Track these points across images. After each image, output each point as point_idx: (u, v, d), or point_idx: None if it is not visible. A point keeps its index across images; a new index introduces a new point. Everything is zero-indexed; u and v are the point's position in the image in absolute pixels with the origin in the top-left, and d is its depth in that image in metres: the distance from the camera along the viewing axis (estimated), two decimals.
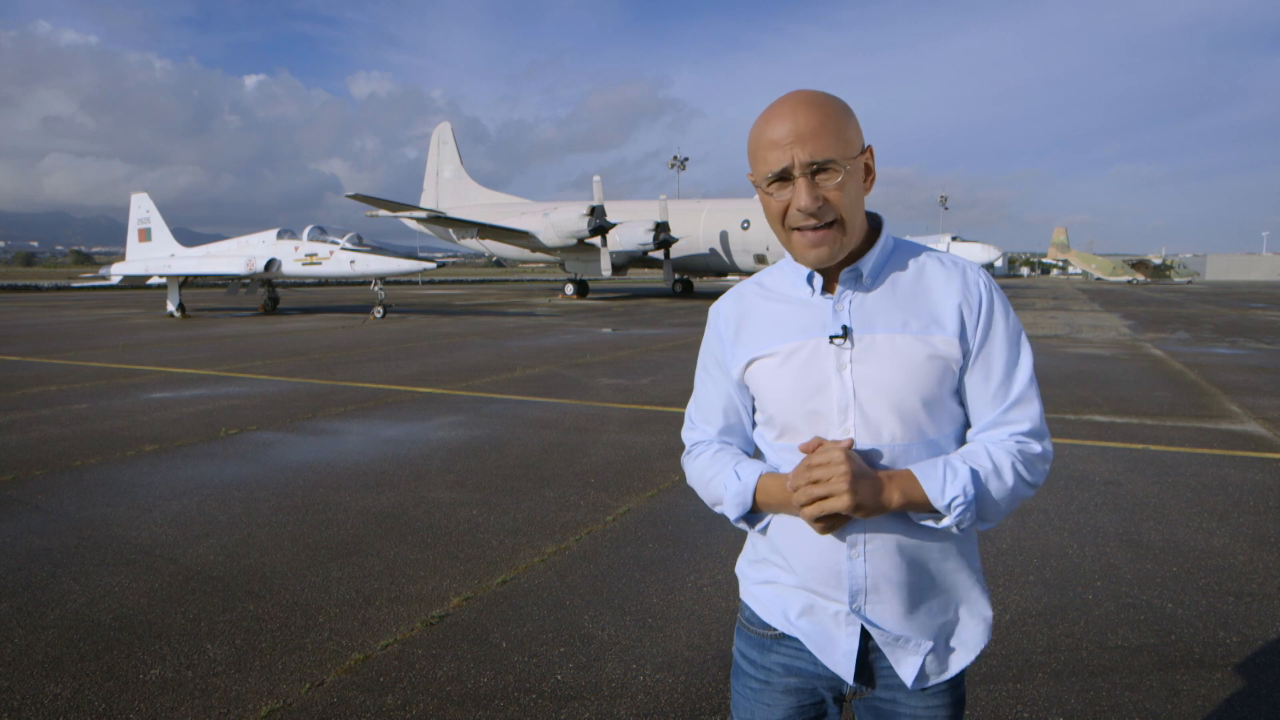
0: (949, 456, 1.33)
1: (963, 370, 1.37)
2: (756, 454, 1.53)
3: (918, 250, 1.42)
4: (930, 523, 1.31)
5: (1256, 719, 2.78)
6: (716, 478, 1.46)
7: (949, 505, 1.27)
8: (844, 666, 1.40)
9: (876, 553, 1.36)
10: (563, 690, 2.95)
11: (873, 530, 1.35)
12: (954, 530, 1.30)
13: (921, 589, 1.39)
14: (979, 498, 1.29)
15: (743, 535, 1.56)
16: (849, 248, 1.35)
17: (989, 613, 1.47)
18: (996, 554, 4.29)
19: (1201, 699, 2.89)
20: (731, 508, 1.42)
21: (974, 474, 1.29)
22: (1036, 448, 1.35)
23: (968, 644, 1.43)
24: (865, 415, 1.34)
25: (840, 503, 1.25)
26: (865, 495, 1.26)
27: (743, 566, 1.56)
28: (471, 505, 5.15)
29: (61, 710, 2.80)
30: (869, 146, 1.37)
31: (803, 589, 1.42)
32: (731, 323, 1.48)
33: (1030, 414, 1.36)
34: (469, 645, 3.29)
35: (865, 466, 1.29)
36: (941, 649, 1.41)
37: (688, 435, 1.60)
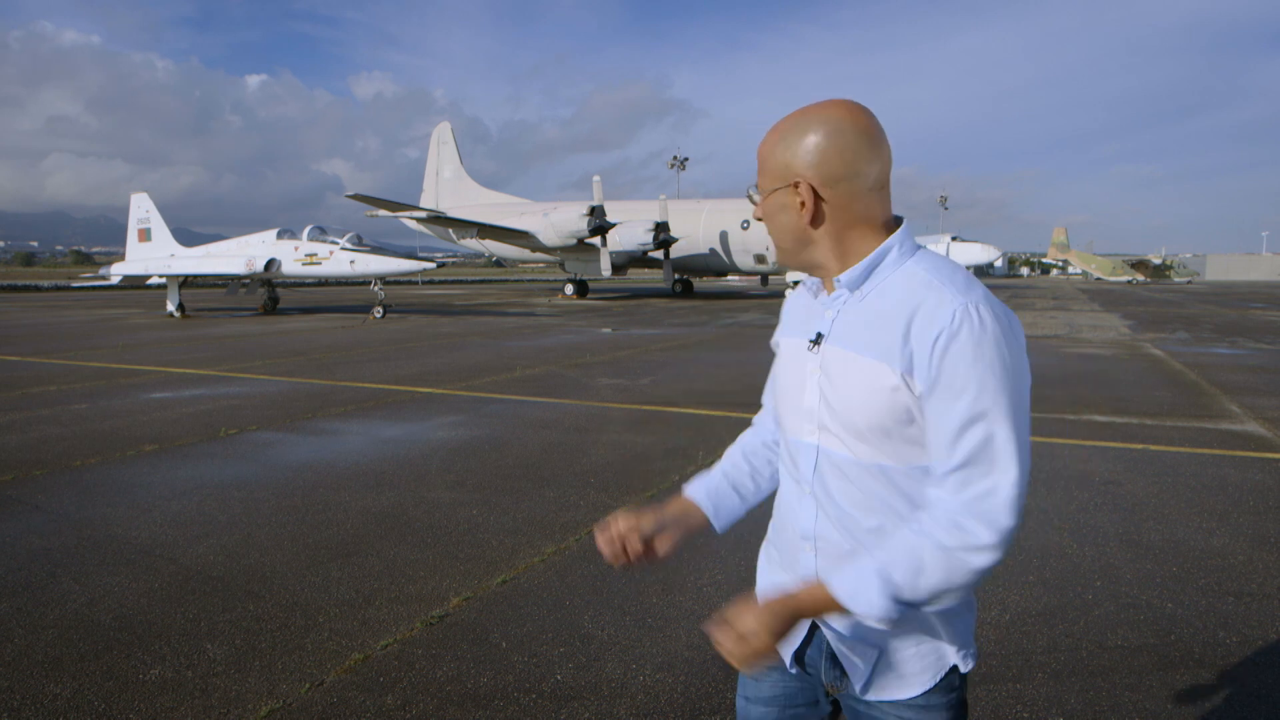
0: (872, 561, 1.24)
1: (918, 405, 1.25)
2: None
3: (926, 269, 1.30)
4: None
5: (1256, 719, 2.78)
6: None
7: (863, 616, 1.24)
8: (785, 651, 1.45)
9: (827, 552, 1.38)
10: (563, 690, 2.95)
11: (822, 533, 1.39)
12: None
13: None
14: (896, 602, 1.21)
15: (740, 537, 1.59)
16: (806, 264, 1.40)
17: (956, 642, 1.38)
18: None
19: (1201, 699, 2.89)
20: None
21: (885, 583, 1.21)
22: (972, 531, 1.19)
23: (926, 667, 1.37)
24: (824, 423, 1.36)
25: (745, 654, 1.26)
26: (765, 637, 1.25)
27: (762, 546, 1.65)
28: (471, 505, 5.15)
29: (61, 710, 2.80)
30: (797, 182, 1.31)
31: (779, 568, 1.50)
32: (784, 311, 1.59)
33: (977, 492, 1.20)
34: (469, 645, 3.29)
35: (748, 614, 1.26)
36: (896, 664, 1.37)
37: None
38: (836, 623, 1.38)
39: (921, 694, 1.37)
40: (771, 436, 1.65)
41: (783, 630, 1.26)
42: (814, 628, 1.42)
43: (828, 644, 1.41)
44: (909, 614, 1.25)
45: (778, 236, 1.39)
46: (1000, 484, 1.19)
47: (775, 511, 1.53)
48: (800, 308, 1.50)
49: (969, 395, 1.19)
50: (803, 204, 1.33)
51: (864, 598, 1.22)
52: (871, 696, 1.39)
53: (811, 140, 1.30)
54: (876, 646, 1.37)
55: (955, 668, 1.38)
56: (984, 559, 1.19)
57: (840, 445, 1.34)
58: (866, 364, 1.29)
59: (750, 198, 1.42)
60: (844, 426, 1.32)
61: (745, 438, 1.69)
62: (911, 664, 1.37)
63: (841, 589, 1.24)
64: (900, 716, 1.39)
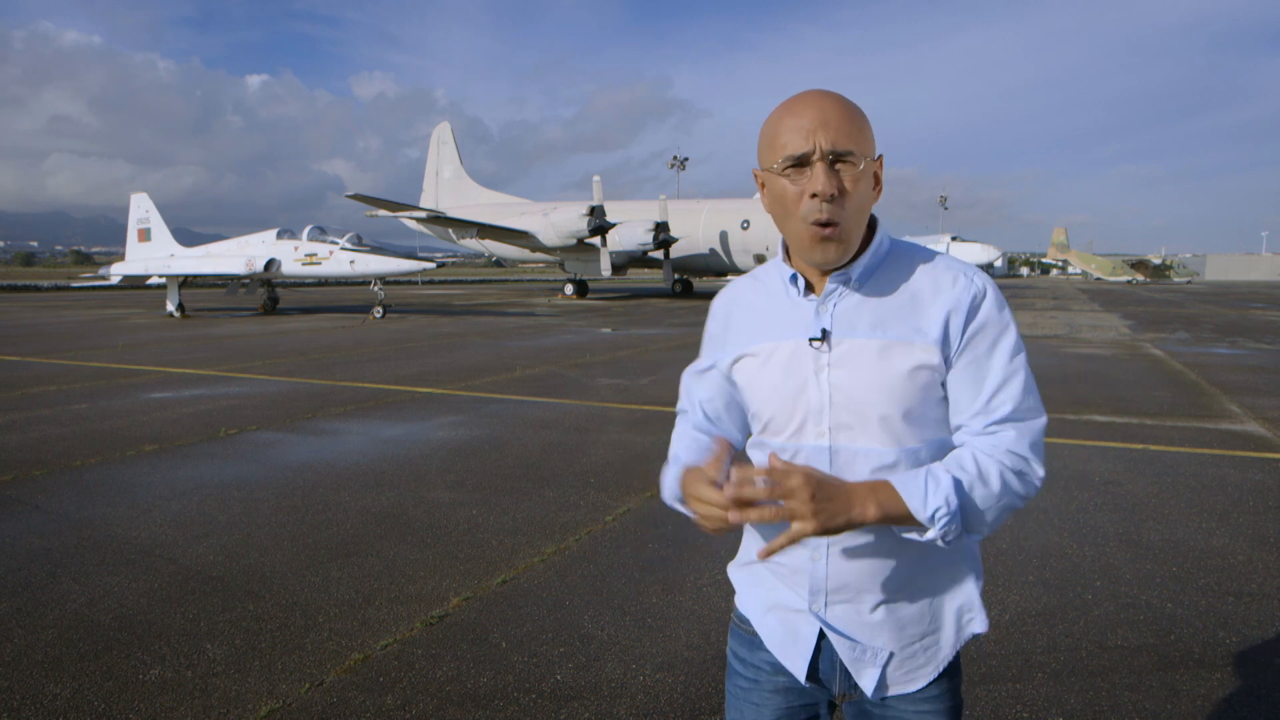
0: (931, 466, 1.27)
1: (945, 379, 1.32)
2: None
3: (915, 252, 1.37)
4: (914, 535, 1.25)
5: (1256, 719, 2.78)
6: (669, 462, 1.48)
7: (932, 517, 1.21)
8: (798, 666, 1.40)
9: (839, 557, 1.34)
10: (562, 690, 2.95)
11: (837, 537, 1.33)
12: (939, 543, 1.25)
13: (886, 598, 1.36)
14: (963, 508, 1.23)
15: (740, 538, 1.57)
16: (852, 250, 1.32)
17: (969, 626, 1.41)
18: (996, 554, 4.29)
19: (1201, 699, 2.89)
20: (668, 496, 1.44)
21: (957, 483, 1.23)
22: (1027, 461, 1.28)
23: (935, 658, 1.39)
24: (840, 421, 1.32)
25: (807, 527, 1.18)
26: (834, 514, 1.19)
27: (733, 566, 1.58)
28: (471, 505, 5.15)
29: (61, 710, 2.80)
30: (880, 156, 1.35)
31: (775, 586, 1.44)
32: (720, 318, 1.50)
33: (1025, 430, 1.29)
34: (469, 645, 3.29)
35: (830, 480, 1.21)
36: (907, 660, 1.38)
37: (680, 403, 1.66)
38: (848, 630, 1.37)
39: (929, 684, 1.39)
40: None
41: (837, 518, 1.19)
42: (822, 638, 1.39)
43: (838, 655, 1.39)
44: (960, 533, 1.25)
45: (861, 212, 1.29)
46: (1039, 427, 1.31)
47: (764, 535, 1.45)
48: (758, 311, 1.43)
49: (1006, 344, 1.31)
50: (877, 182, 1.34)
51: (938, 496, 1.21)
52: (890, 692, 1.38)
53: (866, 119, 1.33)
54: (886, 648, 1.37)
55: (964, 649, 1.41)
56: (1034, 488, 1.30)
57: (859, 438, 1.31)
58: (891, 347, 1.29)
59: (828, 161, 1.26)
60: (866, 417, 1.30)
61: (687, 429, 1.58)
62: (918, 658, 1.38)
63: (911, 491, 1.21)
64: (913, 710, 1.39)
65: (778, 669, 1.44)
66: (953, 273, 1.33)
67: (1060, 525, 4.78)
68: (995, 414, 1.29)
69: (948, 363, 1.31)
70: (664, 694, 2.93)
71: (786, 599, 1.42)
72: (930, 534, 1.23)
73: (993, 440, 1.29)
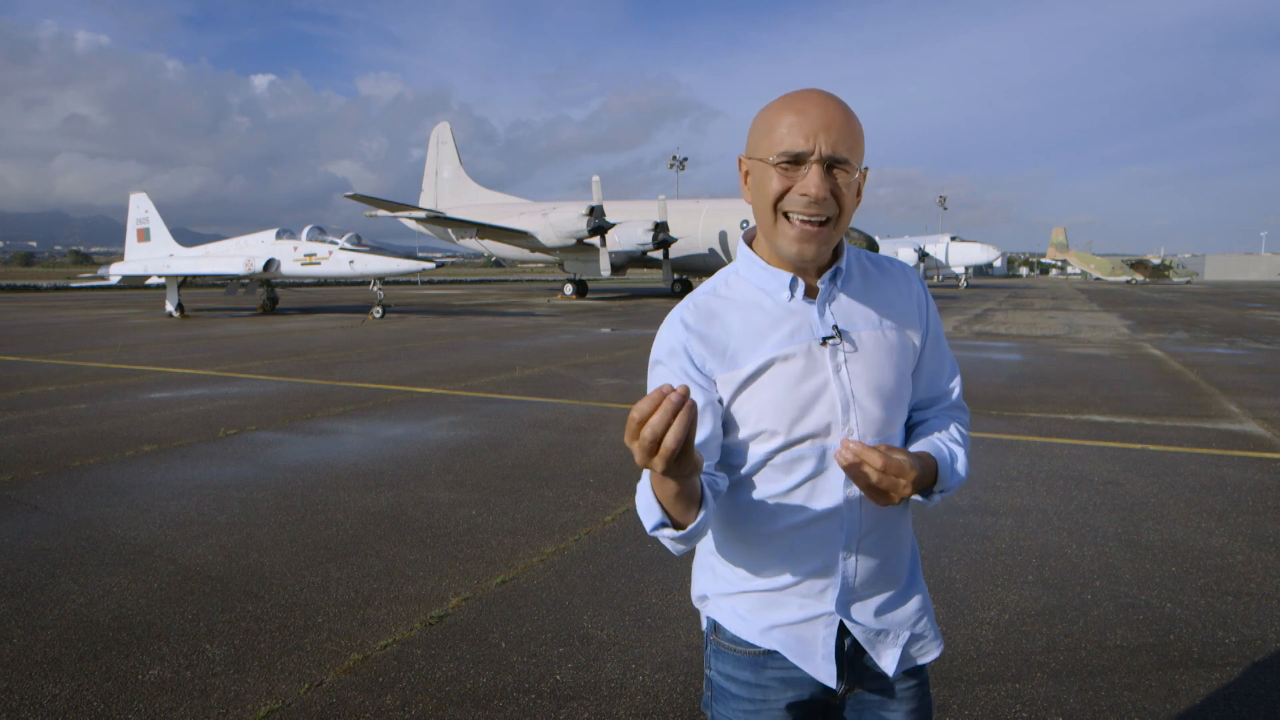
0: (943, 440, 1.41)
1: (919, 358, 1.48)
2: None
3: (859, 251, 1.48)
4: (919, 499, 1.36)
5: (1256, 719, 2.78)
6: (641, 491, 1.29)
7: (951, 487, 1.38)
8: (825, 671, 1.39)
9: (867, 551, 1.38)
10: (562, 690, 2.95)
11: (868, 529, 1.37)
12: (928, 503, 1.38)
13: (901, 585, 1.45)
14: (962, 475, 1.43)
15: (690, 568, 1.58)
16: (829, 250, 1.34)
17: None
18: (996, 554, 4.30)
19: (1201, 699, 2.89)
20: (646, 515, 1.24)
21: (965, 460, 1.42)
22: (966, 423, 1.54)
23: (932, 626, 1.50)
24: (864, 411, 1.35)
25: (905, 492, 1.29)
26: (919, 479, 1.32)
27: (707, 588, 1.49)
28: (471, 505, 5.14)
29: (60, 710, 2.79)
30: (865, 168, 1.35)
31: (782, 598, 1.39)
32: (700, 338, 1.36)
33: (960, 388, 1.57)
34: (468, 645, 3.29)
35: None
36: (919, 637, 1.46)
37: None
38: (870, 621, 1.40)
39: (937, 658, 1.49)
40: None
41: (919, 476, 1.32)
42: (844, 632, 1.40)
43: (851, 645, 1.41)
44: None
45: (846, 221, 1.33)
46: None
47: (772, 553, 1.38)
48: (745, 323, 1.35)
49: (941, 323, 1.53)
50: (858, 193, 1.36)
51: (963, 468, 1.40)
52: (909, 665, 1.45)
53: None
54: (906, 629, 1.44)
55: (961, 648, 1.49)
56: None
57: (877, 425, 1.37)
58: (892, 334, 1.41)
59: (825, 164, 1.26)
60: (882, 403, 1.37)
61: None
62: (929, 631, 1.48)
63: (957, 464, 1.39)
64: (902, 688, 1.45)
65: (786, 683, 1.41)
66: (906, 268, 1.51)
67: (1060, 525, 4.78)
68: (952, 385, 1.53)
69: (923, 344, 1.47)
70: (664, 694, 2.93)
71: (790, 614, 1.39)
72: (935, 499, 1.38)
73: (952, 406, 1.52)
